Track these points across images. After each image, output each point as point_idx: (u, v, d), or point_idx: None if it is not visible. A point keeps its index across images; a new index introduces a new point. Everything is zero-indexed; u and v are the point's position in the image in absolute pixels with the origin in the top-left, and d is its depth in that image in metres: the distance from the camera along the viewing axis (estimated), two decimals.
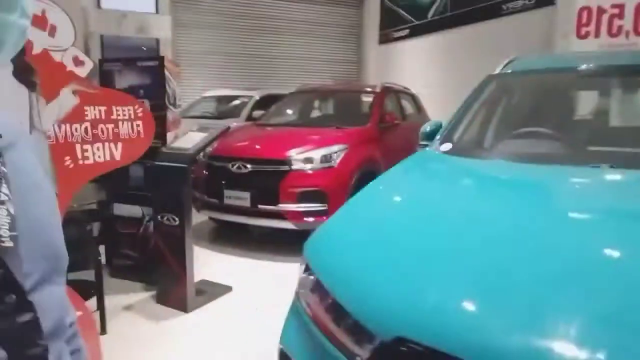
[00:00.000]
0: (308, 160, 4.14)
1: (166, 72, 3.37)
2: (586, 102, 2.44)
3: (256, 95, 8.10)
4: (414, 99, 6.52)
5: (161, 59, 3.27)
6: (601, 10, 3.36)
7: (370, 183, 1.83)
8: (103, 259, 3.75)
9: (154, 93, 3.34)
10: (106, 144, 2.39)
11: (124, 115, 2.47)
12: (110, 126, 2.41)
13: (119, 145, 2.44)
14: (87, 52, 8.53)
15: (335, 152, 4.23)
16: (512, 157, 1.86)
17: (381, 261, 1.16)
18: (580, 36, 3.52)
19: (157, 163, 3.10)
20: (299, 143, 4.32)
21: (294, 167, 4.10)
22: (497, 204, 1.47)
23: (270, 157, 4.16)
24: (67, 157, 2.24)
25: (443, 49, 9.43)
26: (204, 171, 4.44)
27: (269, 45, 10.88)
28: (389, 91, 5.68)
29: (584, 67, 2.29)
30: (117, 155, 2.44)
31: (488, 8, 8.21)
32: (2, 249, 0.48)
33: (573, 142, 2.01)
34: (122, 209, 3.57)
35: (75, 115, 2.27)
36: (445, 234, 1.26)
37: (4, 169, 0.53)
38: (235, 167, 4.21)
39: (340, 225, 1.45)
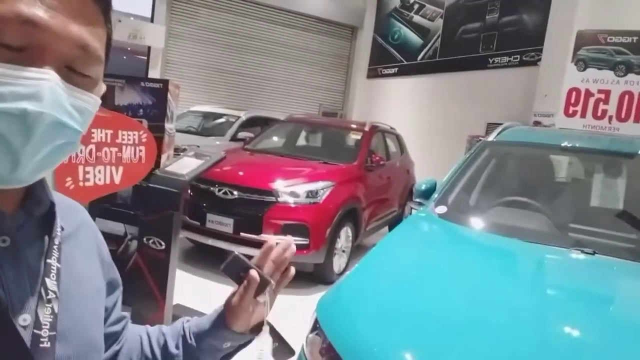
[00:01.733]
0: (294, 194, 4.20)
1: (168, 95, 3.40)
2: (571, 179, 2.62)
3: (243, 116, 8.15)
4: (398, 138, 6.72)
5: (165, 83, 3.30)
6: (588, 94, 3.64)
7: (379, 244, 1.92)
8: None
9: (155, 114, 3.36)
10: (108, 167, 2.40)
11: (129, 140, 2.50)
12: (114, 150, 2.43)
13: (120, 169, 2.46)
14: None
15: (322, 189, 4.32)
16: (501, 229, 2.00)
17: (396, 339, 1.24)
18: (568, 114, 3.79)
19: (150, 185, 3.10)
20: (286, 175, 4.39)
21: (280, 199, 4.15)
22: (491, 281, 1.58)
23: (257, 186, 4.20)
24: (69, 178, 2.24)
25: (428, 91, 9.78)
26: (189, 192, 4.43)
27: (259, 66, 11.01)
28: (376, 130, 5.84)
29: (572, 146, 2.47)
30: (117, 179, 2.45)
31: (475, 59, 8.62)
32: (39, 350, 0.47)
33: (558, 219, 2.16)
34: (104, 225, 3.51)
35: (83, 137, 2.28)
36: (448, 310, 1.36)
37: (59, 265, 0.53)
38: (221, 192, 4.23)
39: (352, 291, 1.53)
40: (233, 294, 0.78)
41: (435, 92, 9.56)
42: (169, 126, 3.57)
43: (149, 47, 9.70)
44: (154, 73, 9.86)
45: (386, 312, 1.38)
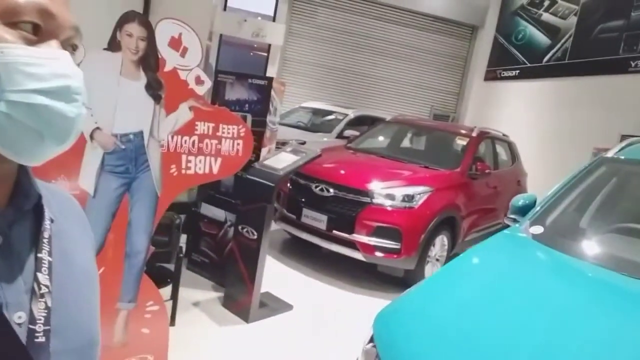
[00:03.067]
0: (390, 196, 4.14)
1: (272, 92, 3.56)
2: None
3: (351, 114, 8.23)
4: (510, 146, 6.25)
5: (270, 80, 3.47)
6: None
7: (453, 261, 1.80)
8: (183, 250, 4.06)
9: (258, 110, 3.55)
10: (208, 157, 2.58)
11: (229, 133, 2.65)
12: (215, 142, 2.60)
13: (219, 160, 2.62)
14: (206, 50, 9.20)
15: (419, 194, 4.19)
16: (606, 260, 1.74)
17: None
18: None
19: (247, 176, 3.28)
20: (384, 177, 4.34)
21: (375, 200, 4.12)
22: (568, 321, 1.39)
23: (353, 186, 4.21)
24: (173, 166, 2.45)
25: (553, 96, 8.93)
26: (288, 185, 4.60)
27: (373, 65, 11.00)
28: (484, 137, 5.51)
29: None
30: (215, 169, 2.62)
31: (613, 62, 7.66)
32: (35, 345, 0.48)
33: None
34: (208, 210, 3.82)
35: (187, 129, 2.48)
36: (507, 347, 1.22)
37: (50, 259, 0.53)
38: (318, 188, 4.32)
39: (411, 309, 1.45)
40: None
41: (560, 97, 8.70)
42: (271, 121, 3.75)
43: (269, 45, 10.23)
44: (272, 69, 10.39)
45: (442, 336, 1.29)
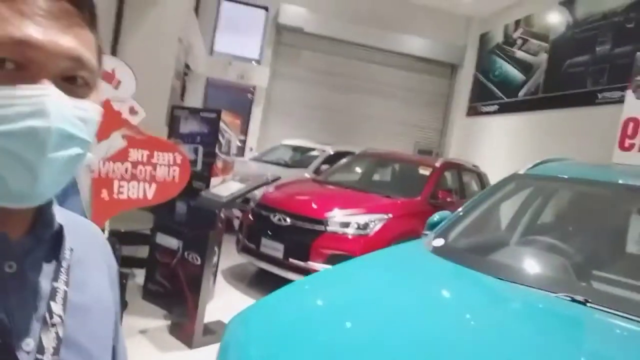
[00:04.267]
0: (344, 224, 4.22)
1: (222, 124, 3.73)
2: (604, 220, 2.28)
3: (329, 150, 8.41)
4: (480, 177, 6.36)
5: (218, 112, 3.64)
6: None
7: (334, 266, 1.87)
8: (141, 281, 4.11)
9: (209, 141, 3.71)
10: (142, 183, 2.71)
11: (164, 160, 2.79)
12: (149, 168, 2.74)
13: (153, 186, 2.75)
14: (189, 90, 9.53)
15: (373, 221, 4.27)
16: (487, 268, 1.79)
17: None
18: (623, 148, 3.29)
19: (194, 204, 3.40)
20: (340, 205, 4.43)
21: (329, 228, 4.20)
22: (417, 314, 1.44)
23: (308, 215, 4.31)
24: (105, 190, 2.58)
25: (530, 130, 9.12)
26: (249, 217, 4.70)
27: (357, 103, 11.32)
28: (450, 167, 5.63)
29: (612, 182, 2.16)
30: (150, 195, 2.75)
31: (582, 95, 7.88)
32: None
33: (574, 263, 1.89)
34: (163, 239, 3.91)
35: (120, 155, 2.63)
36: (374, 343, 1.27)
37: (66, 289, 0.52)
38: (276, 218, 4.42)
39: (271, 309, 1.51)
40: None
41: (537, 130, 8.89)
42: (224, 152, 3.90)
43: (254, 87, 10.60)
44: (257, 109, 10.71)
45: (292, 337, 1.35)
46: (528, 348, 1.30)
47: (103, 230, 3.30)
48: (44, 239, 0.52)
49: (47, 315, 0.49)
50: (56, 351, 0.49)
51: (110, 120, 2.60)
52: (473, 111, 11.01)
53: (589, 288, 1.63)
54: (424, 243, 2.14)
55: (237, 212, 5.49)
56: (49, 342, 0.49)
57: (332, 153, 8.32)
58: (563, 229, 2.14)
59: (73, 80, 0.49)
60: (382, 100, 11.39)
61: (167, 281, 3.87)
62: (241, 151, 10.30)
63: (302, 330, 1.41)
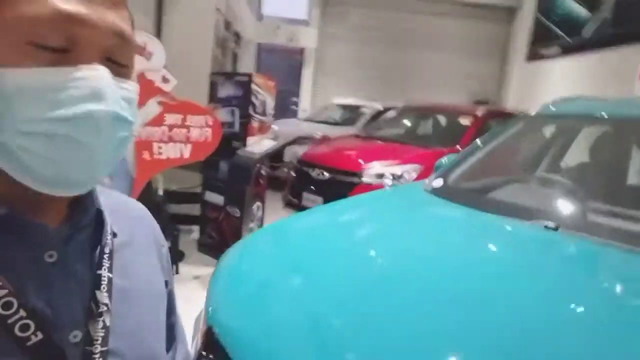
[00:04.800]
0: (379, 175, 4.37)
1: (255, 86, 3.97)
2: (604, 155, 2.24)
3: (379, 107, 8.43)
4: None
5: (249, 76, 3.87)
6: None
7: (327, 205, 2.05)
8: (197, 235, 4.58)
9: (242, 103, 3.97)
10: (178, 144, 3.04)
11: (197, 123, 3.09)
12: (184, 130, 3.05)
13: (189, 146, 3.07)
14: (241, 57, 9.81)
15: (407, 171, 4.37)
16: (481, 204, 1.81)
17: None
18: None
19: (231, 162, 3.71)
20: (376, 158, 4.57)
21: (365, 179, 4.37)
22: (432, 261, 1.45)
23: (344, 168, 4.50)
24: (146, 152, 2.93)
25: (598, 71, 8.47)
26: (293, 173, 4.99)
27: (408, 58, 11.10)
28: (494, 115, 5.51)
29: (616, 116, 2.13)
30: (186, 154, 3.07)
31: None
32: None
33: (566, 194, 1.94)
34: (210, 196, 4.30)
35: (157, 120, 2.95)
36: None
37: (110, 275, 0.51)
38: (315, 173, 4.66)
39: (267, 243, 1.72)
40: None
41: (602, 70, 8.25)
42: (258, 112, 4.16)
43: (303, 49, 10.71)
44: (307, 71, 10.86)
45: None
46: (484, 273, 1.39)
47: (156, 190, 3.72)
48: (82, 225, 0.51)
49: (92, 305, 0.48)
50: (105, 341, 0.48)
51: (146, 90, 2.92)
52: (533, 55, 10.36)
53: (565, 216, 1.70)
54: (424, 184, 2.27)
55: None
56: (96, 332, 0.47)
57: (381, 109, 8.35)
58: (564, 166, 2.16)
59: (116, 59, 0.47)
60: (435, 52, 11.06)
61: (216, 233, 4.28)
62: (294, 113, 10.59)
63: (293, 258, 1.60)
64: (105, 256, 0.51)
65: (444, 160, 2.57)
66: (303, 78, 10.99)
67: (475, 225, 1.78)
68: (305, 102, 11.03)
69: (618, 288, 1.33)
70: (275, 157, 5.65)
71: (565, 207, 1.79)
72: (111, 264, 0.52)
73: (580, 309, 1.17)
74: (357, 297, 1.22)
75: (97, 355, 0.47)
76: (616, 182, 2.02)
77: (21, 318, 0.43)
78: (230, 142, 3.87)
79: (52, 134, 0.41)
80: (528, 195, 1.98)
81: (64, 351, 0.45)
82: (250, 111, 3.95)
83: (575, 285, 1.28)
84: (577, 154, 2.23)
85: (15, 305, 0.43)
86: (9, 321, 0.42)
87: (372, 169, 4.40)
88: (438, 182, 2.21)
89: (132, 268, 0.56)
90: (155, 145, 2.96)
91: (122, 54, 0.47)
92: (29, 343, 0.43)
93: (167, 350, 0.63)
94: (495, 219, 1.72)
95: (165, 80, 2.99)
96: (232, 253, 1.70)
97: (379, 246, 1.62)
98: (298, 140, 6.85)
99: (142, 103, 2.92)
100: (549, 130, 2.42)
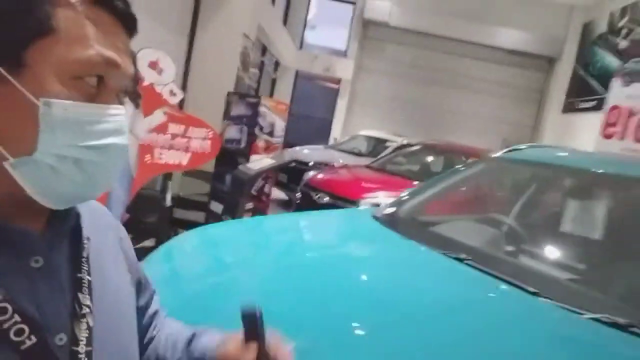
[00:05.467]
0: (375, 205, 4.52)
1: (264, 109, 4.28)
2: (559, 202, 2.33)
3: (403, 141, 8.58)
4: None
5: (258, 98, 4.19)
6: (631, 113, 2.87)
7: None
8: None
9: (250, 122, 4.29)
10: (178, 152, 3.35)
11: (198, 135, 3.40)
12: (185, 140, 3.36)
13: (187, 155, 3.38)
14: (279, 82, 10.26)
15: None
16: (417, 237, 1.90)
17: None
18: (605, 135, 3.07)
19: (231, 174, 4.00)
20: (375, 188, 4.74)
21: (361, 207, 4.53)
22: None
23: (343, 195, 4.69)
24: (148, 155, 3.25)
25: None
26: (298, 195, 5.22)
27: (442, 97, 11.24)
28: None
29: (568, 166, 2.24)
30: (184, 162, 3.37)
31: None
32: None
33: (503, 236, 2.05)
34: (214, 205, 4.60)
35: (161, 128, 3.29)
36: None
37: (89, 278, 0.53)
38: (317, 196, 4.87)
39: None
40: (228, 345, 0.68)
41: None
42: (265, 133, 4.45)
43: (339, 80, 11.09)
44: (342, 101, 11.20)
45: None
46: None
47: (164, 195, 4.04)
48: (63, 230, 0.53)
49: (76, 307, 0.50)
50: (89, 342, 0.50)
51: (154, 100, 3.27)
52: (570, 107, 10.26)
53: (497, 258, 1.81)
54: (376, 210, 2.43)
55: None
56: (81, 333, 0.49)
57: (404, 144, 8.50)
58: (508, 209, 2.26)
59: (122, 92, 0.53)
60: (470, 94, 11.14)
61: None
62: (326, 139, 10.90)
63: (204, 261, 1.77)
64: (83, 259, 0.54)
65: (405, 193, 2.72)
66: (337, 107, 11.33)
67: (401, 252, 1.85)
68: (336, 131, 11.34)
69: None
70: (295, 179, 5.89)
71: (489, 247, 1.92)
72: (89, 267, 0.54)
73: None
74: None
75: (82, 355, 0.49)
76: (549, 228, 2.12)
77: (16, 323, 0.45)
78: (235, 157, 4.19)
79: (80, 158, 0.47)
80: (465, 232, 2.11)
81: (55, 354, 0.47)
82: (257, 131, 4.25)
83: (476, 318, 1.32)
84: (524, 198, 2.34)
85: (10, 311, 0.45)
86: (5, 326, 0.44)
87: (369, 199, 4.57)
88: (388, 210, 2.36)
89: (106, 270, 0.58)
90: (157, 151, 3.28)
91: (127, 89, 0.58)
92: (23, 347, 0.45)
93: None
94: (425, 251, 1.80)
95: (172, 93, 3.33)
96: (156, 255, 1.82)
97: (294, 254, 1.77)
98: (316, 166, 7.11)
99: (148, 112, 3.27)
100: (504, 174, 2.54)
